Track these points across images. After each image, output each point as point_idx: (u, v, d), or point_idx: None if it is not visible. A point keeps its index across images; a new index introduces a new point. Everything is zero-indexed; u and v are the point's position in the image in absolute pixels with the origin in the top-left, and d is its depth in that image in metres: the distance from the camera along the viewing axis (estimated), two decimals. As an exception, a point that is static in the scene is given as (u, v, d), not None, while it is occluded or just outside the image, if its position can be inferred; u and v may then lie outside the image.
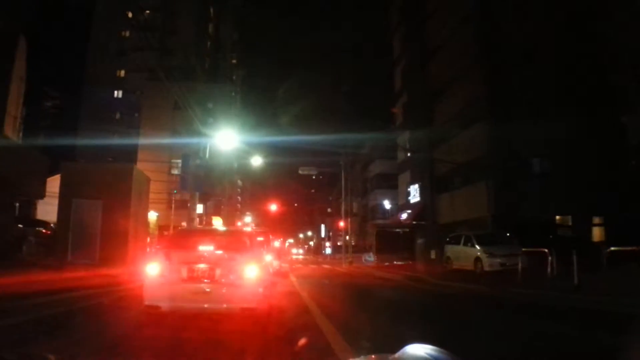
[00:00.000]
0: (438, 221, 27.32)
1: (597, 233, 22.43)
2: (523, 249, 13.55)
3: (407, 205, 34.89)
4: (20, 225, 20.22)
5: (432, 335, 5.57)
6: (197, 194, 19.44)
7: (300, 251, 70.96)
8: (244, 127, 45.99)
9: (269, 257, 13.54)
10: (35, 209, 30.40)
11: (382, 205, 46.00)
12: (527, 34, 21.83)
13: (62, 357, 3.24)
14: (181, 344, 5.07)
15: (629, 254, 13.43)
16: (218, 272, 5.91)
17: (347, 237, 39.17)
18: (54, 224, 17.31)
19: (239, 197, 76.90)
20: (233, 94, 58.42)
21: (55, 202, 15.23)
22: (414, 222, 30.10)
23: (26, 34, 30.33)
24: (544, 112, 21.05)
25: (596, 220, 22.77)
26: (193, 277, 5.87)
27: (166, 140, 35.34)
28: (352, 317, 7.81)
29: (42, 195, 18.46)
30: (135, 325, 6.07)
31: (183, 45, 48.50)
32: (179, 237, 7.49)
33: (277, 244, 21.28)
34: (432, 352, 1.49)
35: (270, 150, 39.77)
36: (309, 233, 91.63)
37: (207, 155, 18.78)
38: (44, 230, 21.32)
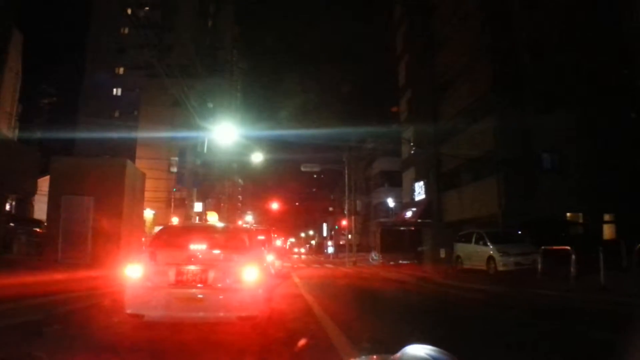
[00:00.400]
0: (444, 219, 26.59)
1: (607, 230, 21.72)
2: (543, 247, 12.68)
3: (412, 203, 34.16)
4: (11, 224, 19.57)
5: (465, 349, 4.80)
6: (195, 190, 18.62)
7: (302, 250, 70.26)
8: (244, 123, 45.24)
9: (270, 257, 12.63)
10: (32, 207, 29.75)
11: (385, 203, 45.26)
12: (537, 24, 21.10)
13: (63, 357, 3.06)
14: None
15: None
16: (212, 275, 5.05)
17: (350, 236, 38.37)
18: (48, 222, 16.61)
19: (239, 197, 76.26)
20: (233, 91, 57.76)
21: (54, 200, 14.38)
22: (419, 220, 29.38)
23: (22, 28, 29.63)
24: (554, 106, 20.42)
25: (607, 217, 22.05)
26: (182, 281, 5.01)
27: (164, 134, 34.62)
28: (368, 329, 6.79)
29: (33, 192, 17.70)
30: (115, 334, 5.26)
31: (183, 42, 47.79)
32: (167, 235, 6.47)
33: (279, 242, 20.38)
34: (432, 353, 1.47)
35: (270, 148, 39.05)
36: (311, 232, 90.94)
37: (205, 150, 17.94)
38: (37, 229, 20.66)
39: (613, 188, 19.30)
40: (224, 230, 7.53)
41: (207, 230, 7.29)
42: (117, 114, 53.45)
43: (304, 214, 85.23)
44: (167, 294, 4.94)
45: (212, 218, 28.01)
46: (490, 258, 15.99)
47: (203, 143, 17.87)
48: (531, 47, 21.47)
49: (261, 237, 13.65)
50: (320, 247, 72.23)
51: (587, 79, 20.14)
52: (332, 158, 38.32)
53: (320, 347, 4.97)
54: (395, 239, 28.00)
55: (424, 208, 29.25)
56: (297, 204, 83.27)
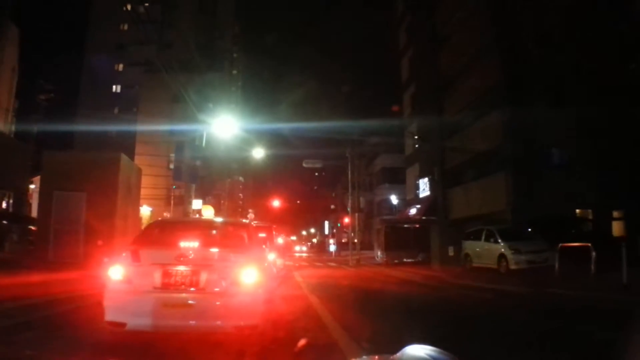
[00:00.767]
0: (450, 216, 26.00)
1: (617, 227, 21.09)
2: (560, 245, 12.04)
3: (416, 199, 33.55)
4: (4, 222, 19.01)
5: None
6: (194, 186, 17.95)
7: (304, 248, 69.68)
8: (244, 117, 44.60)
9: (272, 256, 11.94)
10: (29, 205, 29.18)
11: (388, 201, 44.69)
12: (545, 15, 20.45)
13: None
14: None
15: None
16: (205, 277, 4.38)
17: (353, 234, 37.74)
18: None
19: (240, 195, 75.73)
20: (233, 88, 57.26)
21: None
22: (424, 218, 28.77)
23: (20, 23, 29.00)
24: (563, 100, 19.78)
25: (616, 214, 21.41)
26: (170, 284, 4.34)
27: (163, 127, 34.09)
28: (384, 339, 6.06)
29: (24, 188, 17.08)
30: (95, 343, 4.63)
31: (183, 38, 47.27)
32: (154, 231, 5.71)
33: (280, 240, 19.71)
34: (432, 353, 1.47)
35: (271, 144, 38.54)
36: (312, 230, 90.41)
37: (204, 143, 17.29)
38: (32, 227, 20.08)
39: (622, 184, 18.71)
40: (220, 226, 6.75)
41: (201, 226, 6.55)
42: (116, 111, 52.94)
43: (305, 212, 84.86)
44: (152, 299, 4.27)
45: (208, 212, 26.79)
46: (502, 256, 15.32)
47: (202, 137, 17.19)
48: (540, 38, 20.80)
49: (262, 235, 12.96)
50: (322, 245, 71.61)
51: (597, 72, 19.49)
52: (334, 155, 37.80)
53: None
54: (400, 237, 27.32)
55: (429, 205, 28.66)
56: (298, 202, 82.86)
